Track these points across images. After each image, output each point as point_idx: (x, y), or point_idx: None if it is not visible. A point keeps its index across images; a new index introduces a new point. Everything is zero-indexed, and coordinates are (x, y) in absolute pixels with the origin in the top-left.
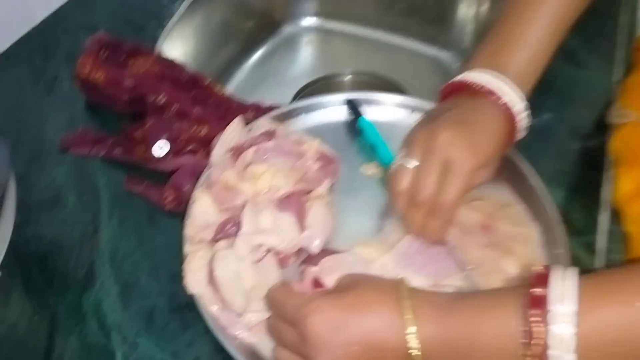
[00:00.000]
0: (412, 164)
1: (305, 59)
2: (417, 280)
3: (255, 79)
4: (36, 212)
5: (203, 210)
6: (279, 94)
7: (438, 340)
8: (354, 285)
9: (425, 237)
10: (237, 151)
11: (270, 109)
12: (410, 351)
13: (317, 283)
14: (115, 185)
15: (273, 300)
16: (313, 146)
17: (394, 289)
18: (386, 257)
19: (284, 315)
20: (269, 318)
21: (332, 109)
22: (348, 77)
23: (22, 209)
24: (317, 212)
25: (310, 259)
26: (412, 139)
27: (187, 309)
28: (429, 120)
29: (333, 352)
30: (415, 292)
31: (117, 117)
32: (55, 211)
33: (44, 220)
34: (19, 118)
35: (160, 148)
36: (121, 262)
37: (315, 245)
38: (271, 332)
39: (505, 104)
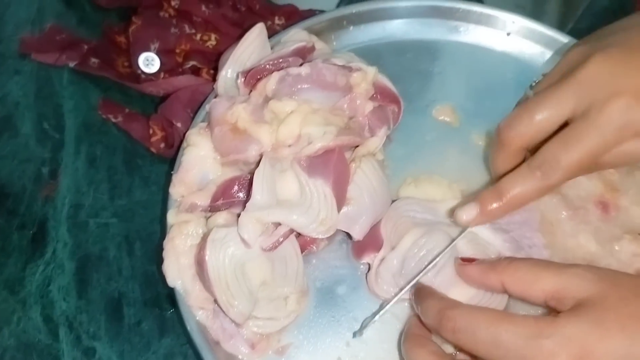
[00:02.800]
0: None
1: None
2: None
3: None
4: None
5: (199, 162)
6: None
7: None
8: (601, 291)
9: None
10: (253, 76)
11: (310, 13)
12: None
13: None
14: (87, 110)
15: (472, 330)
16: (368, 76)
17: None
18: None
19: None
20: None
21: (396, 22)
22: None
23: None
24: (365, 178)
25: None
26: (560, 62)
27: (168, 303)
28: (596, 38)
29: None
30: None
31: (100, 12)
32: (4, 139)
33: None
34: None
35: (148, 62)
36: (84, 224)
37: (358, 230)
38: None
39: None
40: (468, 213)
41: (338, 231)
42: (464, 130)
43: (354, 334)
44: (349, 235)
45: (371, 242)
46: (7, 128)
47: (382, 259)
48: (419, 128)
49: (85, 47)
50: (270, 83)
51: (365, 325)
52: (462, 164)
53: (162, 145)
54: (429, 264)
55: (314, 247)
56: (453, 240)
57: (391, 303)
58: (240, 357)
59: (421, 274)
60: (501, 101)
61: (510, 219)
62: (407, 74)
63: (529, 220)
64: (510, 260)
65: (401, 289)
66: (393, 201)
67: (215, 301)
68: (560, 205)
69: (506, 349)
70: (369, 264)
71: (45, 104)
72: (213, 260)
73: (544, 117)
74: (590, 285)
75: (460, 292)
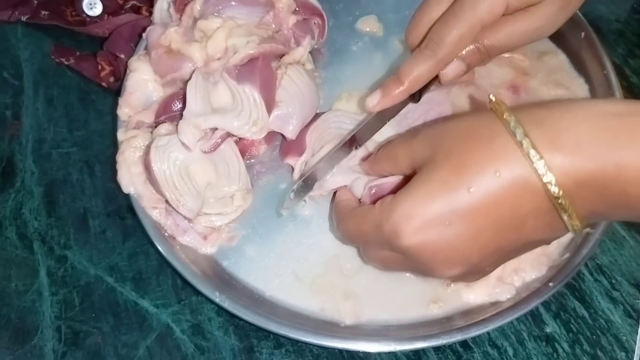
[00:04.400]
0: None
1: None
2: None
3: None
4: None
5: (141, 84)
6: None
7: (579, 172)
8: (433, 151)
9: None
10: (182, 2)
11: None
12: (549, 188)
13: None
14: (42, 57)
15: (348, 230)
16: None
17: (491, 123)
18: None
19: (372, 242)
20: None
21: None
22: None
23: None
24: (292, 83)
25: (292, 148)
26: None
27: (128, 212)
28: None
29: (460, 258)
30: (523, 114)
31: None
32: None
33: None
34: None
35: (92, 6)
36: (47, 154)
37: (291, 129)
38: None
39: None
40: (373, 99)
41: (276, 136)
42: (387, 37)
43: (278, 214)
44: (284, 138)
45: (296, 146)
46: None
47: (305, 163)
48: (346, 40)
49: (35, 2)
50: (196, 5)
51: (283, 205)
52: (387, 68)
53: (111, 78)
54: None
55: (255, 151)
56: (360, 123)
57: (297, 183)
58: (194, 247)
59: (331, 151)
60: None
61: (425, 116)
62: None
63: (442, 112)
64: (377, 149)
65: (303, 175)
66: (324, 113)
67: (166, 201)
68: (475, 95)
69: (369, 238)
70: (292, 167)
71: (4, 57)
72: (158, 164)
73: (427, 12)
74: (426, 149)
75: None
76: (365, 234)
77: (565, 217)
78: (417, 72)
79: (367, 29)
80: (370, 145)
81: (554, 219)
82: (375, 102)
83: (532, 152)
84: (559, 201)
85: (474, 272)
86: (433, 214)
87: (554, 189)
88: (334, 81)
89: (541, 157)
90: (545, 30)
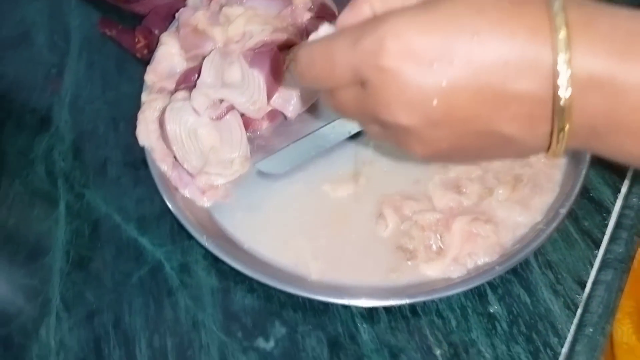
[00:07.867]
0: None
1: None
2: None
3: None
4: (1, 49)
5: (168, 56)
6: None
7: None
8: None
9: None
10: None
11: None
12: (559, 93)
13: None
14: (89, 27)
15: (310, 58)
16: None
17: None
18: None
19: (339, 67)
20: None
21: None
22: None
23: None
24: None
25: None
26: None
27: (143, 164)
28: None
29: (423, 107)
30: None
31: None
32: (22, 49)
33: (9, 58)
34: None
35: None
36: (81, 108)
37: (291, 109)
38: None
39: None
40: None
41: (278, 115)
42: None
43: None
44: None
45: None
46: (24, 40)
47: None
48: None
49: None
50: None
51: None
52: None
53: (145, 51)
54: None
55: (258, 126)
56: None
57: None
58: (192, 199)
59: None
60: None
61: None
62: None
63: None
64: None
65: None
66: None
67: (174, 157)
68: None
69: (340, 65)
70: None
71: (56, 23)
72: (171, 124)
73: None
74: None
75: None
76: (335, 60)
77: (556, 120)
78: None
79: None
80: None
81: (540, 118)
82: None
83: (562, 33)
84: (561, 103)
85: (426, 139)
86: (424, 45)
87: (564, 90)
88: None
89: (568, 46)
90: None
